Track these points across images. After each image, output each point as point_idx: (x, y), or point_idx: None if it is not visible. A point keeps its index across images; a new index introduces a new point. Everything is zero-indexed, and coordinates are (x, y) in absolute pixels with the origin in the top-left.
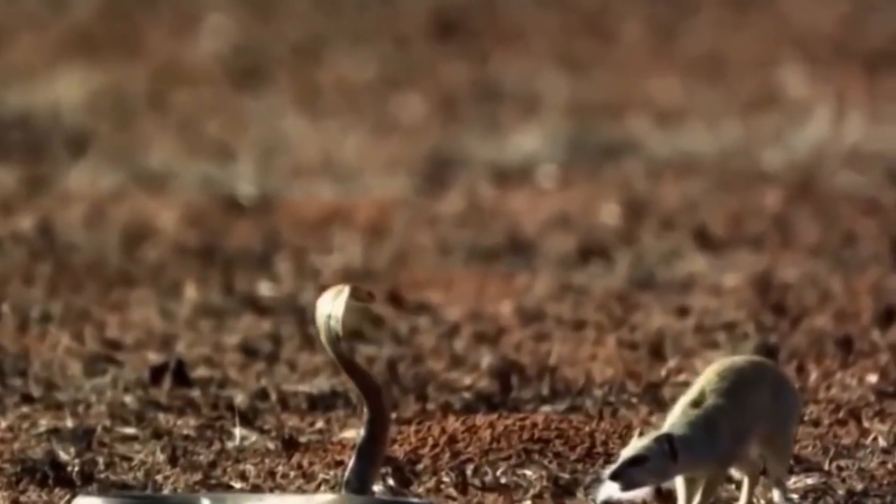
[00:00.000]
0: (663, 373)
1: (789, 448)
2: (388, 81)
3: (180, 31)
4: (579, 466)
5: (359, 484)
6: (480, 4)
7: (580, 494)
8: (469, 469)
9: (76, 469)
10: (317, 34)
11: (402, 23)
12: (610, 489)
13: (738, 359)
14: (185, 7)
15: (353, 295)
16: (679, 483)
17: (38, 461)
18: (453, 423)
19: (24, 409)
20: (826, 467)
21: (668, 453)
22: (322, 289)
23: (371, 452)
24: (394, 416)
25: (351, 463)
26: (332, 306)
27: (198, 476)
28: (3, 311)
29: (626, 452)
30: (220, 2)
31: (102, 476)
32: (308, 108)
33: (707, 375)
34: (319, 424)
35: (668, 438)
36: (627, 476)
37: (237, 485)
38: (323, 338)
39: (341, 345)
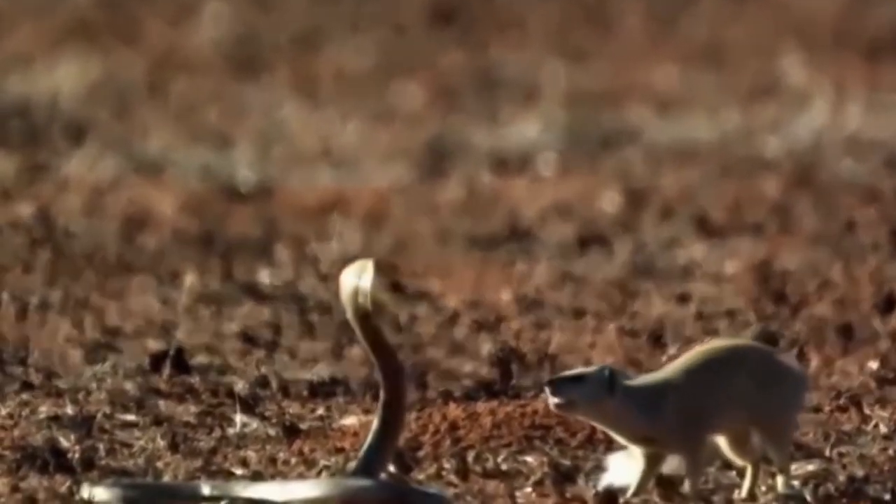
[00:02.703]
0: (664, 360)
1: (788, 434)
2: (386, 69)
3: (179, 19)
4: (580, 453)
5: (367, 470)
6: None
7: (581, 481)
8: (470, 456)
9: (76, 456)
10: (315, 22)
11: (400, 11)
12: (610, 477)
13: (722, 342)
14: None
15: (378, 269)
16: (636, 458)
17: (38, 448)
18: (454, 411)
19: (25, 396)
20: (827, 454)
21: (606, 384)
22: (322, 277)
23: (384, 438)
24: None
25: (364, 447)
26: (358, 281)
27: (198, 462)
28: (3, 299)
29: (570, 372)
30: None
31: (103, 463)
32: (307, 96)
33: (686, 356)
34: (320, 411)
35: (610, 371)
36: (561, 388)
37: (238, 471)
38: (350, 314)
39: (370, 321)
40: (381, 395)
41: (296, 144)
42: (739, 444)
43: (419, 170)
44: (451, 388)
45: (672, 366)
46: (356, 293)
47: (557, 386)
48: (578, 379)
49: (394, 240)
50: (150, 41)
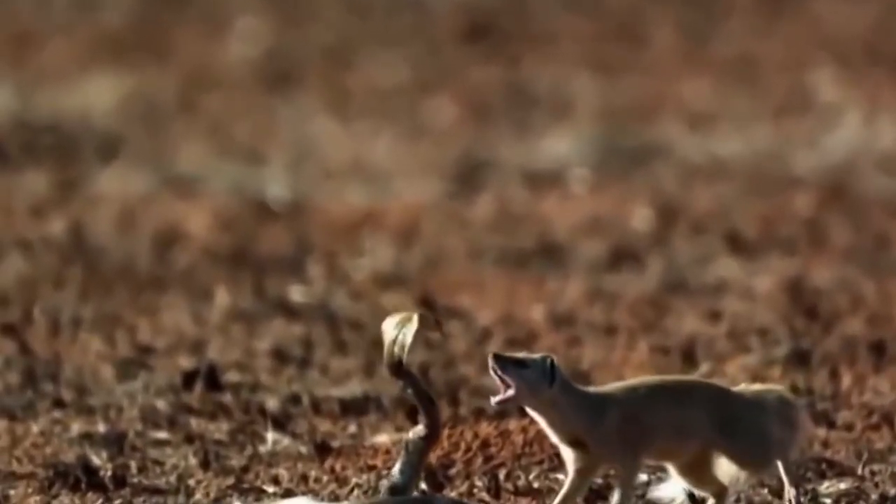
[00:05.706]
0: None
1: (763, 462)
2: (418, 85)
3: (211, 36)
4: (611, 471)
5: (403, 489)
6: (511, 8)
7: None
8: (502, 473)
9: (108, 473)
10: (347, 38)
11: (432, 26)
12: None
13: (676, 377)
14: (216, 11)
15: (421, 323)
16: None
17: (70, 466)
18: (486, 428)
19: (57, 413)
20: (859, 472)
21: (547, 373)
22: (353, 294)
23: (419, 462)
24: None
25: (397, 467)
26: (398, 333)
27: (230, 480)
28: (35, 315)
29: (514, 354)
30: (251, 6)
31: (135, 481)
32: (339, 112)
33: (637, 379)
34: (352, 429)
35: (551, 360)
36: (505, 366)
37: (270, 489)
38: (385, 360)
39: (402, 367)
40: (422, 423)
41: (327, 160)
42: (699, 475)
43: (451, 185)
44: (482, 405)
45: (620, 383)
46: (394, 343)
47: (502, 363)
48: (521, 363)
49: (425, 256)
50: (182, 57)
